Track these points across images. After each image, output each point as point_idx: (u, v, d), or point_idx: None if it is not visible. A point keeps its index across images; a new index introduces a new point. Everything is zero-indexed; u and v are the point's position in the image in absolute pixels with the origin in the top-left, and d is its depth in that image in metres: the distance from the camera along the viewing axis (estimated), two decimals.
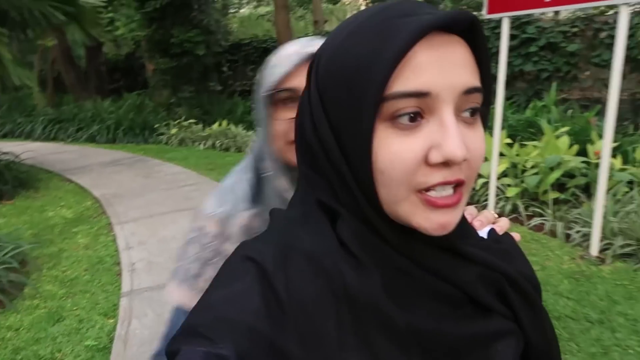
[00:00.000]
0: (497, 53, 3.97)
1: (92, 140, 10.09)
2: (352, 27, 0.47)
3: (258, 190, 0.87)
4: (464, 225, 0.54)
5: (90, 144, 9.94)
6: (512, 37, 7.52)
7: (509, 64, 7.60)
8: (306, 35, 11.26)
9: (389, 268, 0.48)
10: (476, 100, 0.46)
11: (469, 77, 0.45)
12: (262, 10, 19.36)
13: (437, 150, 0.43)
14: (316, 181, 0.51)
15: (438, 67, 0.43)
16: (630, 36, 6.44)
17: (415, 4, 0.47)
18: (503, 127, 5.64)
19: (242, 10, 20.28)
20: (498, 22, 6.63)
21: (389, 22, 0.44)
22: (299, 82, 0.78)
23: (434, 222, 0.45)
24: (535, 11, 3.55)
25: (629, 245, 3.43)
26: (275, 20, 10.14)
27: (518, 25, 7.54)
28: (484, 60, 0.47)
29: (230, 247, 0.83)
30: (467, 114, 0.46)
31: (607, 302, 2.90)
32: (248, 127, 8.80)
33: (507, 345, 0.52)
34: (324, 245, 0.47)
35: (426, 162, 0.43)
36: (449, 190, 0.45)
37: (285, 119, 0.79)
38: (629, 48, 6.49)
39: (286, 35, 9.66)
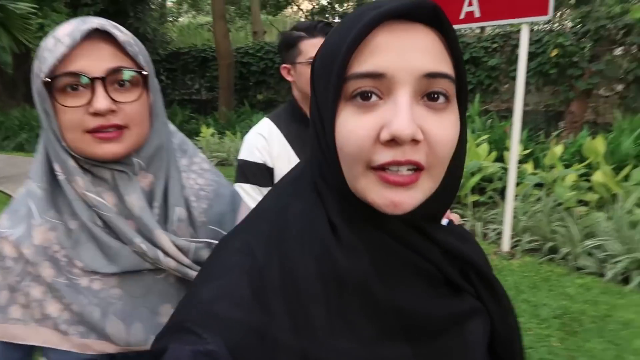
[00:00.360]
0: None
1: (21, 149, 9.67)
2: (337, 24, 0.52)
3: (55, 197, 0.76)
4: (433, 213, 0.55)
5: (18, 152, 9.51)
6: None
7: None
8: (246, 45, 11.36)
9: (375, 247, 0.49)
10: (443, 86, 0.46)
11: (431, 62, 0.46)
12: (202, 20, 19.26)
13: (386, 128, 0.44)
14: (315, 163, 0.53)
15: (396, 51, 0.45)
16: (542, 52, 7.05)
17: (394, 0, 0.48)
18: None
19: (180, 19, 20.07)
20: None
21: (359, 13, 0.48)
22: (80, 65, 0.70)
23: (386, 198, 0.46)
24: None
25: (535, 241, 3.80)
26: (214, 30, 10.19)
27: None
28: (455, 48, 0.49)
29: (40, 270, 0.74)
30: (433, 100, 0.46)
31: (514, 292, 3.22)
32: (186, 136, 8.75)
33: (477, 323, 0.55)
34: (315, 231, 0.49)
35: (379, 140, 0.45)
36: (403, 172, 0.46)
37: (75, 107, 0.70)
38: (541, 63, 7.10)
39: (225, 45, 9.74)
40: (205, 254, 0.80)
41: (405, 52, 0.45)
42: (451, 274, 0.52)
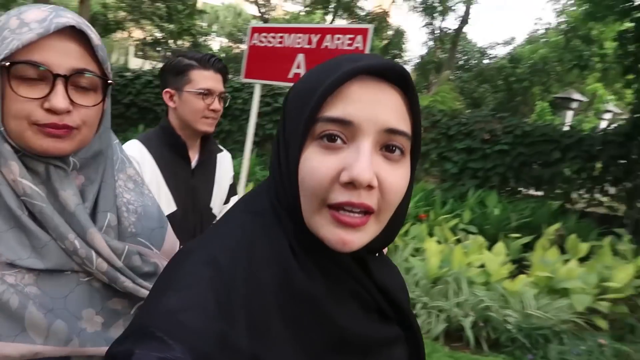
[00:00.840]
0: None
1: None
2: (315, 67, 0.57)
3: None
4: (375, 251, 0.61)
5: None
6: (267, 104, 8.53)
7: (262, 127, 8.55)
8: None
9: (325, 273, 0.54)
10: (400, 141, 0.52)
11: (394, 119, 0.51)
12: None
13: (347, 171, 0.49)
14: (275, 187, 0.56)
15: (365, 103, 0.50)
16: None
17: (371, 55, 0.55)
18: (251, 181, 6.34)
19: None
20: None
21: (336, 63, 0.53)
22: (42, 56, 0.67)
23: (337, 236, 0.50)
24: (280, 83, 4.28)
25: None
26: None
27: (272, 94, 8.63)
28: (415, 111, 0.54)
29: None
30: (390, 152, 0.52)
31: None
32: None
33: (400, 349, 0.61)
34: (276, 250, 0.53)
35: (338, 181, 0.49)
36: (356, 214, 0.50)
37: (29, 98, 0.68)
38: None
39: None
40: (136, 261, 0.79)
41: (374, 106, 0.50)
42: (382, 304, 0.58)
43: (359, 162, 0.48)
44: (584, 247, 4.99)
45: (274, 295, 0.51)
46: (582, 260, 4.73)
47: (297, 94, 0.56)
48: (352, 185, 0.49)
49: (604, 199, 7.30)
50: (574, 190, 7.17)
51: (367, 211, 0.51)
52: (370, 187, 0.49)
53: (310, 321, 0.51)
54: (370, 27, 3.24)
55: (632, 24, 7.18)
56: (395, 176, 0.52)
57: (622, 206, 7.07)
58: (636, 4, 7.05)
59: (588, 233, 5.76)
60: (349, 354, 0.54)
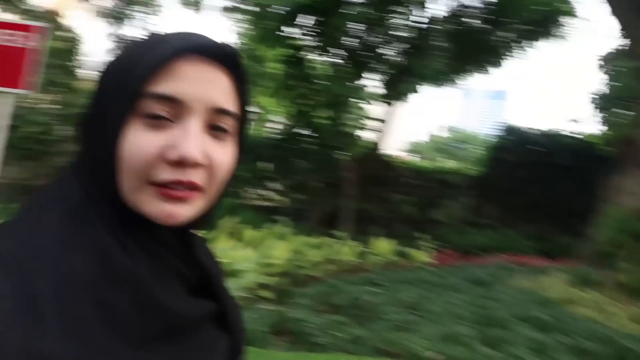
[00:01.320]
0: None
1: None
2: (135, 43, 0.54)
3: None
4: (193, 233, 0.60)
5: None
6: None
7: None
8: None
9: (147, 251, 0.51)
10: (228, 121, 0.52)
11: (223, 100, 0.51)
12: None
13: (174, 149, 0.48)
14: (87, 168, 0.52)
15: (195, 82, 0.49)
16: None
17: (200, 35, 0.53)
18: None
19: None
20: None
21: (162, 39, 0.52)
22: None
23: (163, 211, 0.49)
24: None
25: None
26: None
27: None
28: (244, 92, 0.55)
29: None
30: (218, 131, 0.52)
31: None
32: None
33: (217, 323, 0.59)
34: (90, 232, 0.48)
35: (164, 159, 0.48)
36: (181, 189, 0.49)
37: None
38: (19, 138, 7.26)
39: None
40: None
41: (203, 85, 0.50)
42: (202, 280, 0.58)
43: (188, 140, 0.48)
44: (255, 234, 5.87)
45: (91, 281, 0.45)
46: (255, 245, 5.56)
47: (116, 68, 0.52)
48: (179, 163, 0.48)
49: (272, 193, 8.66)
50: (247, 188, 8.26)
51: (194, 188, 0.50)
52: (198, 165, 0.49)
53: (132, 306, 0.47)
54: (43, 25, 3.07)
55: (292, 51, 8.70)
56: (223, 155, 0.53)
57: (285, 199, 8.53)
58: (285, 34, 8.58)
59: (261, 223, 6.76)
60: (173, 333, 0.51)
